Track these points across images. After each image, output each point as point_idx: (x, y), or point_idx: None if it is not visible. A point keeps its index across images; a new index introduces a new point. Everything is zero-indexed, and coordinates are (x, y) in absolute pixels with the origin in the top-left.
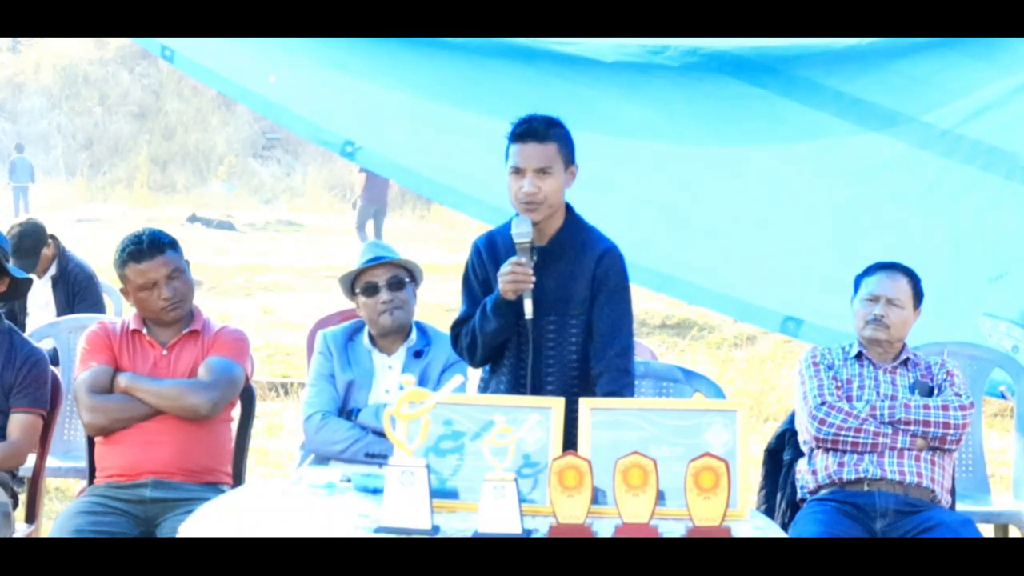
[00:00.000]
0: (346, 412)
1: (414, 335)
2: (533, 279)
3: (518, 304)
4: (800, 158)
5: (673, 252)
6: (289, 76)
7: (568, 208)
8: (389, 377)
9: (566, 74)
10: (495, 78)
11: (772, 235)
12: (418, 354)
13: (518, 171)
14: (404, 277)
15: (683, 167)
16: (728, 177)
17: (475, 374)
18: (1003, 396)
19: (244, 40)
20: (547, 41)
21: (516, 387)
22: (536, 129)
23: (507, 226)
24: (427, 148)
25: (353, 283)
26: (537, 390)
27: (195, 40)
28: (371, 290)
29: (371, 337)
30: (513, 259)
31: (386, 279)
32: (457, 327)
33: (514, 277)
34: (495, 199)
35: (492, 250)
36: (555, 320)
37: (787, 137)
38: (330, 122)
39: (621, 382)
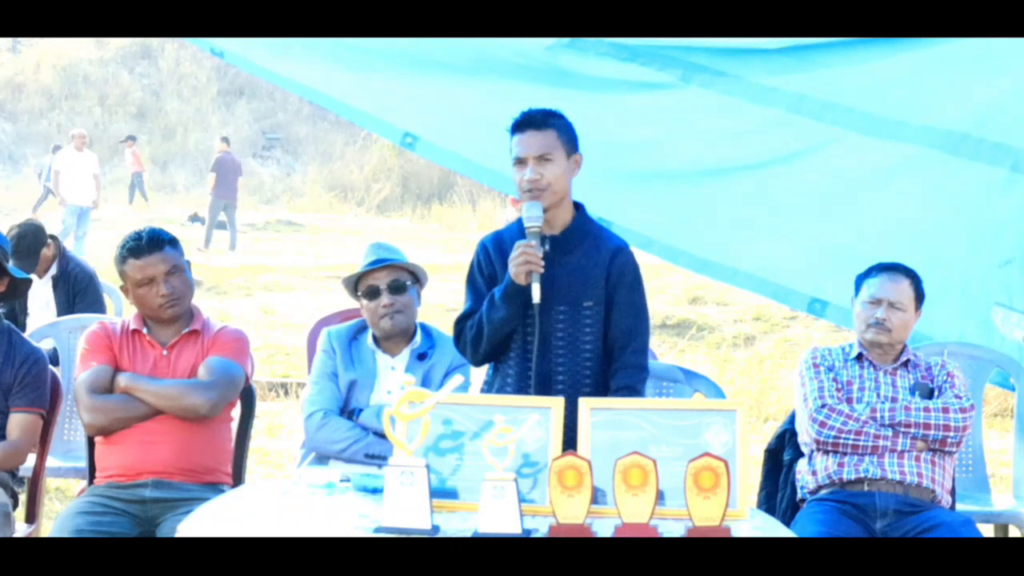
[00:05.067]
0: (348, 412)
1: (418, 337)
2: (543, 262)
3: (527, 291)
4: (821, 162)
5: (711, 238)
6: (347, 69)
7: (579, 206)
8: (392, 378)
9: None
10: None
11: (801, 224)
12: (422, 356)
13: (520, 161)
14: (406, 280)
15: (721, 173)
16: (761, 179)
17: (477, 376)
18: (1013, 387)
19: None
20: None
21: (523, 380)
22: (534, 118)
23: (514, 226)
24: (484, 138)
25: (356, 285)
26: (545, 383)
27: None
28: (372, 293)
29: (375, 338)
30: (522, 242)
31: (387, 282)
32: (461, 322)
33: (526, 258)
34: None
35: (500, 247)
36: (565, 311)
37: (804, 148)
38: (389, 115)
39: (637, 377)
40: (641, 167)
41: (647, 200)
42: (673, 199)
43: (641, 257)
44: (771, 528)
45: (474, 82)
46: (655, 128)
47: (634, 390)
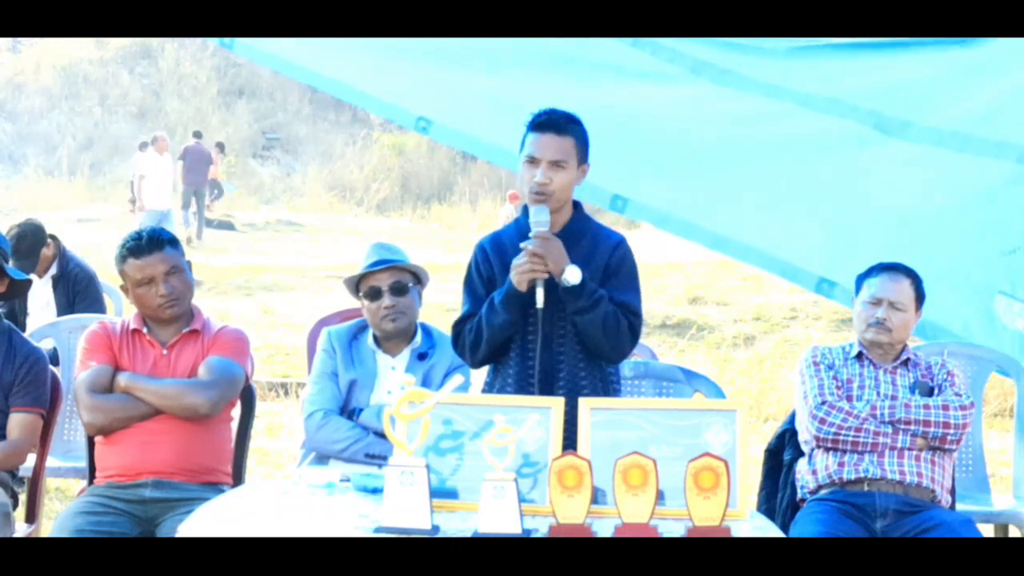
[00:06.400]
0: (348, 412)
1: (419, 337)
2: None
3: (528, 297)
4: (831, 151)
5: (726, 215)
6: (358, 55)
7: (576, 204)
8: (392, 378)
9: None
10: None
11: (812, 206)
12: (422, 356)
13: (533, 160)
14: (408, 281)
15: (737, 153)
16: (775, 160)
17: (477, 376)
18: (1009, 374)
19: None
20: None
21: (523, 379)
22: (556, 121)
23: (511, 227)
24: (498, 119)
25: (358, 285)
26: (548, 382)
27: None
28: (374, 294)
29: (375, 338)
30: (528, 247)
31: (389, 284)
32: (459, 325)
33: (531, 266)
34: None
35: (499, 249)
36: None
37: (814, 134)
38: (402, 99)
39: (627, 312)
40: (657, 145)
41: (664, 177)
42: (689, 177)
43: (640, 256)
44: (768, 531)
45: (486, 65)
46: (669, 109)
47: (618, 320)
